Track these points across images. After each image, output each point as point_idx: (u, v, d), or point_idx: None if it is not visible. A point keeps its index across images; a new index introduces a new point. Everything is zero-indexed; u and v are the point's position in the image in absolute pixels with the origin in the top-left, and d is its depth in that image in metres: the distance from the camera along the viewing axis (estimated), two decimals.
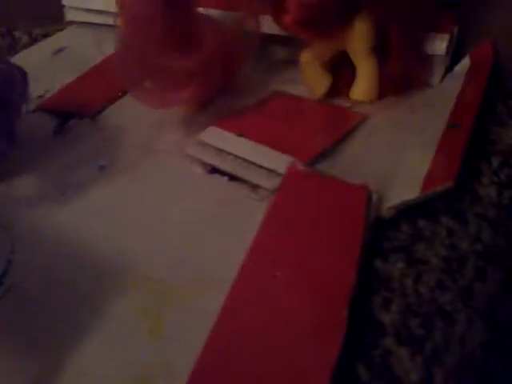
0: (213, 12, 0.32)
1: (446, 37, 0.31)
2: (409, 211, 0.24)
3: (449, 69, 0.32)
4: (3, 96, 0.26)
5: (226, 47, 0.29)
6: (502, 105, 0.31)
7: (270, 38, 0.33)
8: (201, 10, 0.30)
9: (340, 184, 0.25)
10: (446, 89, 0.31)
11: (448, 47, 0.31)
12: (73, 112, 0.33)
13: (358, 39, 0.29)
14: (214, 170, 0.28)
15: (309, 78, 0.30)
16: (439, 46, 0.31)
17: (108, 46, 0.39)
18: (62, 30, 0.44)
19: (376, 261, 0.22)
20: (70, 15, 0.44)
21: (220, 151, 0.29)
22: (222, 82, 0.31)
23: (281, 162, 0.27)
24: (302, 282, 0.21)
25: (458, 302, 0.21)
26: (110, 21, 0.42)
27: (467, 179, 0.25)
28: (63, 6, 0.43)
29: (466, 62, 0.32)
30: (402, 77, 0.31)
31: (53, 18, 0.44)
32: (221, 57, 0.29)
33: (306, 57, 0.29)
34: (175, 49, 0.27)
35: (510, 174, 0.26)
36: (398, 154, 0.27)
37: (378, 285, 0.21)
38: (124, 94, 0.34)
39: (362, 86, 0.30)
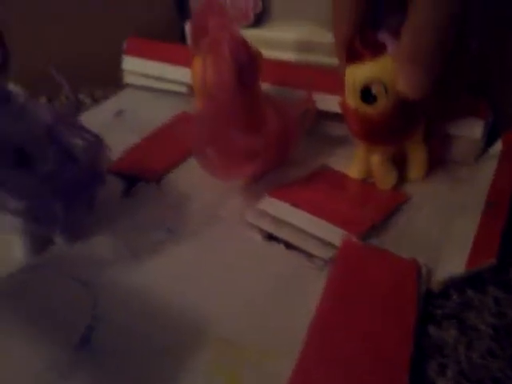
0: (272, 88, 0.35)
1: (482, 123, 0.34)
2: (457, 283, 0.26)
3: (483, 151, 0.35)
4: (93, 167, 0.29)
5: (285, 126, 0.33)
6: None
7: (325, 114, 0.36)
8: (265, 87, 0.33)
9: (392, 257, 0.28)
10: (482, 169, 0.34)
11: (483, 131, 0.34)
12: (138, 175, 0.36)
13: (417, 135, 0.33)
14: (271, 237, 0.31)
15: (379, 174, 0.33)
16: (476, 130, 0.34)
17: (164, 111, 0.44)
18: (119, 92, 0.48)
19: (429, 327, 0.25)
20: (128, 79, 0.48)
21: (276, 220, 0.32)
22: (278, 157, 0.34)
23: (334, 233, 0.30)
24: (365, 349, 0.23)
25: (507, 369, 0.23)
26: (166, 86, 0.46)
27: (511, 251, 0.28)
28: (122, 70, 0.48)
29: (498, 145, 0.35)
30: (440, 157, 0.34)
31: (113, 83, 0.48)
32: (281, 135, 0.32)
33: (377, 159, 0.33)
34: (243, 128, 0.30)
35: None
36: (441, 229, 0.30)
37: (432, 350, 0.24)
38: (187, 158, 0.37)
39: (419, 166, 0.34)
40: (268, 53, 0.42)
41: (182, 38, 0.50)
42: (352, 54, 0.30)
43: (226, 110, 0.29)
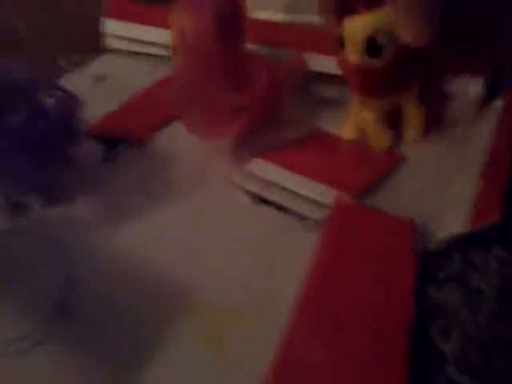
0: (261, 49, 0.33)
1: (481, 79, 0.32)
2: (459, 243, 0.25)
3: (483, 108, 0.33)
4: (65, 124, 0.28)
5: (273, 84, 0.31)
6: None
7: (316, 76, 0.34)
8: (251, 46, 0.31)
9: (387, 217, 0.26)
10: (481, 127, 0.32)
11: (483, 88, 0.32)
12: (119, 139, 0.34)
13: (412, 92, 0.31)
14: (261, 200, 0.29)
15: (373, 134, 0.32)
16: (474, 87, 0.32)
17: (147, 74, 0.42)
18: (100, 57, 0.45)
19: (430, 289, 0.24)
20: (109, 43, 0.46)
21: (266, 182, 0.30)
22: (266, 117, 0.32)
23: (327, 194, 0.28)
24: (360, 310, 0.22)
25: None
26: (146, 50, 0.44)
27: None
28: (102, 34, 0.45)
29: (499, 103, 0.33)
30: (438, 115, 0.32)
31: (90, 45, 0.45)
32: (268, 94, 0.30)
33: (369, 116, 0.31)
34: (228, 85, 0.29)
35: None
36: (439, 190, 0.29)
37: (434, 314, 0.22)
38: (170, 121, 0.35)
39: (416, 127, 0.32)
40: (257, 14, 0.41)
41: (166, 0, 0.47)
42: (344, 6, 0.28)
43: (207, 62, 0.27)
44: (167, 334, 0.22)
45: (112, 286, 0.25)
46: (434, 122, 0.33)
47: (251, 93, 0.29)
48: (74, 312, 0.23)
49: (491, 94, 0.33)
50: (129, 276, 0.25)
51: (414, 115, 0.32)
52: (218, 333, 0.22)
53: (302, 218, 0.28)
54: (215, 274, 0.25)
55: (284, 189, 0.29)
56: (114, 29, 0.45)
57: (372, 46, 0.28)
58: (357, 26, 0.28)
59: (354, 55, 0.28)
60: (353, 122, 0.32)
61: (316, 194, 0.28)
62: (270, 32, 0.38)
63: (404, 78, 0.30)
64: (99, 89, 0.41)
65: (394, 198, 0.28)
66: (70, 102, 0.28)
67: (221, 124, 0.30)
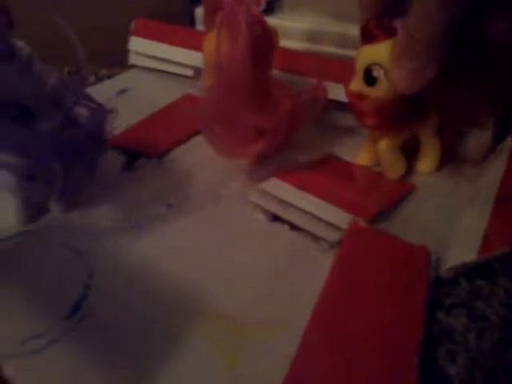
0: (283, 75, 0.35)
1: (492, 119, 0.33)
2: (467, 272, 0.26)
3: (492, 147, 0.34)
4: (96, 133, 0.29)
5: (295, 110, 0.32)
6: None
7: (334, 104, 0.36)
8: (275, 72, 0.33)
9: (400, 243, 0.27)
10: (490, 166, 0.33)
11: (493, 128, 0.33)
12: (140, 151, 0.35)
13: (429, 126, 0.32)
14: (275, 218, 0.30)
15: (387, 163, 0.32)
16: (485, 126, 0.33)
17: (168, 92, 0.43)
18: (124, 72, 0.47)
19: (439, 314, 0.24)
20: (133, 60, 0.47)
21: (281, 201, 0.31)
22: (285, 140, 0.33)
23: (341, 217, 0.29)
24: (372, 331, 0.22)
25: None
26: (170, 69, 0.45)
27: None
28: (129, 51, 0.47)
29: (507, 142, 0.34)
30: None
31: (118, 62, 0.47)
32: (290, 119, 0.31)
33: (384, 145, 0.32)
34: (253, 108, 0.30)
35: None
36: (449, 219, 0.29)
37: (442, 337, 0.23)
38: (190, 138, 0.36)
39: (430, 160, 0.33)
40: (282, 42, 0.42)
41: (191, 23, 0.49)
42: (365, 36, 0.29)
43: (237, 84, 0.28)
44: (180, 343, 0.23)
45: (127, 293, 0.25)
46: (446, 157, 0.34)
47: (274, 117, 0.30)
48: (88, 316, 0.24)
49: (503, 130, 0.34)
50: (144, 285, 0.26)
51: (430, 149, 0.33)
52: (232, 345, 0.23)
53: (316, 238, 0.28)
54: (230, 288, 0.25)
55: (299, 209, 0.30)
56: (140, 47, 0.46)
57: (368, 76, 0.29)
58: (360, 55, 0.30)
59: (356, 83, 0.30)
60: (368, 149, 0.33)
61: (330, 216, 0.29)
62: (292, 60, 0.39)
63: (411, 113, 0.31)
64: (121, 102, 0.42)
65: (405, 226, 0.29)
66: (99, 112, 0.29)
67: (243, 144, 0.31)
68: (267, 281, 0.26)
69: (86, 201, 0.30)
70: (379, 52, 0.29)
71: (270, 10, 0.46)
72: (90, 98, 0.30)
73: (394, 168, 0.33)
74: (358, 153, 0.34)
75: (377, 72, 0.29)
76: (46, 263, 0.27)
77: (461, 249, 0.26)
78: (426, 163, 0.33)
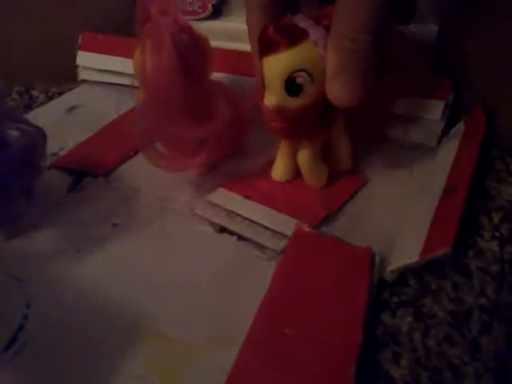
0: (226, 77, 0.34)
1: (442, 103, 0.33)
2: (415, 268, 0.25)
3: (444, 132, 0.34)
4: (27, 157, 0.28)
5: (237, 115, 0.31)
6: (500, 162, 0.32)
7: None
8: (216, 75, 0.32)
9: (344, 246, 0.26)
10: (442, 152, 0.33)
11: (443, 113, 0.33)
12: (87, 170, 0.34)
13: (340, 125, 0.30)
14: (223, 230, 0.29)
15: (310, 173, 0.31)
16: (435, 111, 0.33)
17: (119, 106, 0.42)
18: (74, 88, 0.46)
19: (384, 315, 0.24)
20: (83, 75, 0.46)
21: (229, 212, 0.30)
22: (230, 147, 0.32)
23: (287, 224, 0.28)
24: (311, 339, 0.22)
25: (465, 355, 0.22)
26: (121, 80, 0.45)
27: (470, 234, 0.27)
28: (77, 66, 0.46)
29: (460, 126, 0.33)
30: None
31: (68, 77, 0.46)
32: (231, 125, 0.30)
33: (305, 155, 0.30)
34: (190, 118, 0.29)
35: (510, 228, 0.27)
36: (397, 217, 0.29)
37: (386, 339, 0.23)
38: (136, 153, 0.36)
39: (346, 159, 0.32)
40: (227, 44, 0.41)
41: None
42: (266, 44, 0.26)
43: (167, 96, 0.28)
44: (119, 369, 0.22)
45: (67, 320, 0.25)
46: (398, 145, 0.34)
47: (214, 125, 0.30)
48: (26, 346, 0.23)
49: (452, 118, 0.34)
50: (85, 310, 0.25)
51: (343, 147, 0.31)
52: (171, 364, 0.22)
53: (262, 247, 0.28)
54: (171, 306, 0.25)
55: (246, 219, 0.29)
56: (89, 61, 0.45)
57: (291, 86, 0.26)
58: (274, 65, 0.26)
59: (272, 96, 0.27)
60: (284, 163, 0.31)
61: (276, 224, 0.29)
62: (235, 61, 0.38)
63: (330, 114, 0.29)
64: (70, 120, 0.41)
65: (353, 226, 0.29)
66: (33, 135, 0.29)
67: (184, 157, 0.30)
68: (210, 295, 0.25)
69: (27, 226, 0.30)
70: (301, 57, 0.26)
71: (217, 13, 0.45)
72: (22, 121, 0.29)
73: (317, 177, 0.31)
74: (273, 169, 0.32)
75: (302, 79, 0.26)
76: None
77: (404, 249, 0.26)
78: (344, 162, 0.32)
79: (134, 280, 0.26)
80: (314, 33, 0.26)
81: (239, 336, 0.22)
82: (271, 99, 0.26)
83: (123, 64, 0.44)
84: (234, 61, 0.38)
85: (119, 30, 0.46)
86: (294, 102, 0.27)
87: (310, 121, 0.28)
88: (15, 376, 0.22)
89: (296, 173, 0.32)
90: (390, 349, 0.22)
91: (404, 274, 0.25)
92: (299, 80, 0.26)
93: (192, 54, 0.28)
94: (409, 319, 0.23)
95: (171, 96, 0.28)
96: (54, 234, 0.30)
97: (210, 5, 0.44)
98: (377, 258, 0.26)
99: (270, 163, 0.33)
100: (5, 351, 0.23)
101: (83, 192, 0.33)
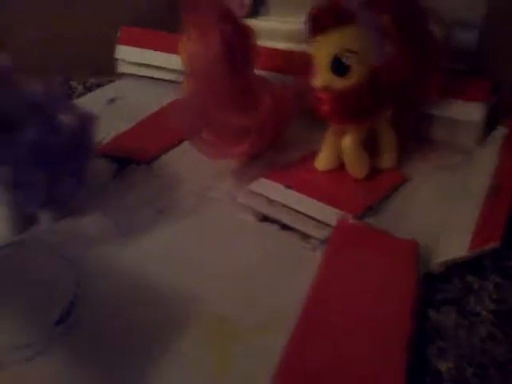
0: (269, 75, 0.34)
1: (483, 106, 0.33)
2: (458, 268, 0.25)
3: (485, 134, 0.34)
4: (78, 140, 0.29)
5: (279, 107, 0.32)
6: None
7: None
8: (259, 72, 0.32)
9: (389, 238, 0.27)
10: (483, 153, 0.33)
11: (484, 115, 0.33)
12: (130, 158, 0.35)
13: (386, 117, 0.31)
14: (265, 219, 0.30)
15: (352, 160, 0.31)
16: (476, 113, 0.33)
17: (158, 98, 0.43)
18: (113, 81, 0.47)
19: (429, 311, 0.24)
20: (121, 68, 0.47)
21: (270, 201, 0.30)
22: (271, 137, 0.33)
23: (329, 214, 0.29)
24: (361, 326, 0.22)
25: (510, 354, 0.22)
26: (158, 75, 0.45)
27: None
28: (116, 59, 0.47)
29: (501, 129, 0.34)
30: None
31: (106, 70, 0.47)
32: (274, 116, 0.31)
33: (349, 140, 0.30)
34: (236, 108, 0.30)
35: None
36: (441, 212, 0.29)
37: (433, 334, 0.23)
38: (179, 142, 0.36)
39: (391, 154, 0.32)
40: (264, 43, 0.42)
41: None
42: (315, 24, 0.28)
43: (215, 87, 0.28)
44: (169, 347, 0.23)
45: (116, 299, 0.25)
46: (437, 146, 0.34)
47: (258, 115, 0.30)
48: (76, 324, 0.24)
49: (493, 120, 0.34)
50: (133, 290, 0.26)
51: (388, 142, 0.32)
52: (223, 345, 0.22)
53: (305, 236, 0.28)
54: (220, 289, 0.25)
55: (288, 208, 0.30)
56: (127, 55, 0.46)
57: (338, 66, 0.28)
58: (322, 46, 0.28)
59: (322, 77, 0.28)
60: (329, 152, 0.32)
61: (319, 213, 0.29)
62: (278, 59, 0.39)
63: (375, 101, 0.30)
64: (111, 111, 0.42)
65: (396, 220, 0.29)
66: (84, 120, 0.29)
67: (228, 145, 0.31)
68: (257, 281, 0.26)
69: (76, 209, 0.30)
70: (348, 37, 0.27)
71: (255, 13, 0.46)
72: (73, 107, 0.30)
73: (359, 166, 0.31)
74: (317, 157, 0.32)
75: (348, 59, 0.27)
76: (35, 272, 0.27)
77: (451, 244, 0.26)
78: (387, 158, 0.32)
79: (179, 264, 0.27)
80: (363, 16, 0.27)
81: (288, 322, 0.23)
82: (318, 79, 0.28)
83: (161, 58, 0.45)
84: (271, 58, 0.39)
85: (156, 24, 0.47)
86: (340, 83, 0.28)
87: (357, 104, 0.29)
88: (67, 348, 0.23)
89: (338, 166, 0.32)
90: (435, 344, 0.22)
91: (447, 273, 0.25)
92: (345, 60, 0.27)
93: (239, 44, 0.29)
94: (453, 316, 0.24)
95: (219, 83, 0.28)
96: (100, 217, 0.30)
97: (247, 4, 0.45)
98: (423, 251, 0.26)
99: (310, 155, 0.33)
100: (57, 325, 0.23)
101: (127, 178, 0.34)
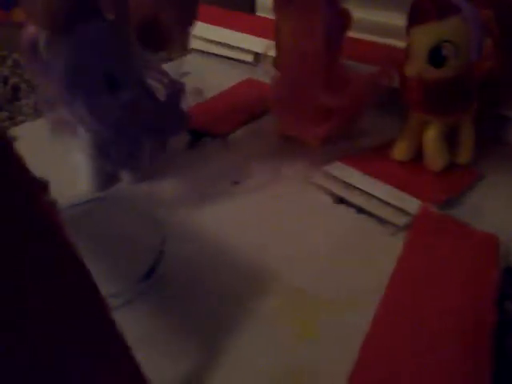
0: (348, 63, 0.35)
1: None
2: None
3: None
4: (170, 107, 0.29)
5: (359, 92, 0.32)
6: None
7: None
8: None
9: (471, 230, 0.27)
10: None
11: None
12: (206, 131, 0.36)
13: (471, 113, 0.31)
14: (340, 201, 0.30)
15: (433, 152, 0.31)
16: None
17: (228, 77, 0.43)
18: (185, 55, 0.48)
19: (506, 303, 0.24)
20: (194, 44, 0.48)
21: (347, 185, 0.31)
22: (349, 122, 0.33)
23: (408, 202, 0.29)
24: (444, 315, 0.22)
25: None
26: (230, 54, 0.46)
27: None
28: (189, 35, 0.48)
29: None
30: None
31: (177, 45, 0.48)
32: (355, 101, 0.31)
33: (433, 131, 0.30)
34: (323, 88, 0.30)
35: None
36: None
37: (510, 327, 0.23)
38: (252, 120, 0.37)
39: (468, 150, 0.32)
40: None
41: (251, 10, 0.49)
42: (417, 14, 0.28)
43: (312, 65, 0.29)
44: (251, 310, 0.23)
45: (199, 261, 0.26)
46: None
47: (342, 98, 0.31)
48: (161, 280, 0.24)
49: None
50: (216, 254, 0.26)
51: (468, 138, 0.32)
52: (301, 312, 0.23)
53: (383, 222, 0.28)
54: (299, 263, 0.26)
55: (365, 193, 0.30)
56: (201, 31, 0.47)
57: (436, 56, 0.28)
58: (423, 34, 0.28)
59: (416, 65, 0.28)
60: (408, 142, 0.32)
61: (398, 200, 0.29)
62: (357, 48, 0.39)
63: (462, 97, 0.30)
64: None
65: (473, 215, 0.29)
66: (175, 88, 0.30)
67: (311, 123, 0.31)
68: (336, 258, 0.26)
69: (154, 174, 0.31)
70: (449, 29, 0.27)
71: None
72: (166, 74, 0.31)
73: (438, 158, 0.31)
74: (396, 146, 0.32)
75: (447, 50, 0.27)
76: (120, 227, 0.28)
77: None
78: (465, 154, 0.32)
79: (258, 234, 0.28)
80: (466, 10, 0.27)
81: (367, 301, 0.23)
82: (414, 67, 0.28)
83: (234, 37, 0.45)
84: (353, 47, 0.39)
85: (233, 4, 0.47)
86: (435, 73, 0.28)
87: (448, 96, 0.29)
88: (150, 306, 0.23)
89: (415, 156, 0.32)
90: None
91: None
92: (444, 51, 0.27)
93: (337, 26, 0.29)
94: None
95: (315, 64, 0.28)
96: (179, 183, 0.31)
97: None
98: (503, 246, 0.26)
99: (385, 144, 0.33)
100: (145, 278, 0.24)
101: (202, 150, 0.34)
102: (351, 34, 0.40)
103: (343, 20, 0.30)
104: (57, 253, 0.14)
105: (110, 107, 0.25)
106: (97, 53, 0.25)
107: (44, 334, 0.14)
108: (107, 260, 0.26)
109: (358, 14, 0.42)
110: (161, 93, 0.29)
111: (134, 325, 0.22)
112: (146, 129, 0.28)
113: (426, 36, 0.28)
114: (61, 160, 0.30)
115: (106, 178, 0.30)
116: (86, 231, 0.27)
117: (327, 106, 0.30)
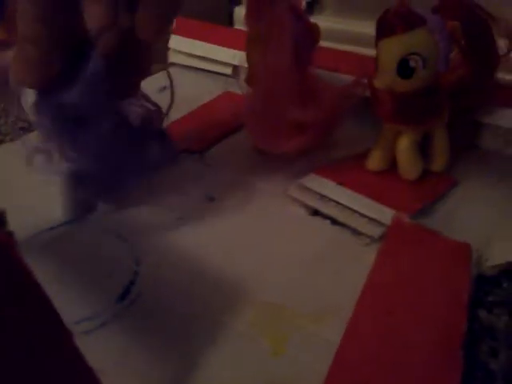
0: (322, 73, 0.35)
1: None
2: (508, 271, 0.25)
3: None
4: (148, 132, 0.29)
5: (333, 104, 0.32)
6: None
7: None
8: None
9: (444, 239, 0.27)
10: None
11: None
12: (183, 146, 0.36)
13: (443, 120, 0.31)
14: (315, 213, 0.30)
15: (406, 163, 0.31)
16: None
17: (207, 90, 0.44)
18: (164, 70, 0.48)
19: (480, 311, 0.24)
20: (173, 58, 0.48)
21: (322, 196, 0.31)
22: (323, 134, 0.33)
23: (382, 212, 0.29)
24: (417, 323, 0.23)
25: None
26: (210, 67, 0.46)
27: None
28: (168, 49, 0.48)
29: None
30: None
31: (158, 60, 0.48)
32: (329, 113, 0.32)
33: (406, 142, 0.31)
34: (296, 102, 0.30)
35: None
36: (490, 217, 0.29)
37: (483, 334, 0.23)
38: (230, 135, 0.37)
39: (443, 157, 0.32)
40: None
41: (230, 22, 0.50)
42: (384, 26, 0.28)
43: (283, 80, 0.29)
44: (226, 327, 0.23)
45: (174, 279, 0.26)
46: (485, 153, 0.34)
47: (315, 111, 0.31)
48: (137, 300, 0.25)
49: None
50: (190, 272, 0.26)
51: (442, 146, 0.32)
52: (279, 329, 0.23)
53: (357, 233, 0.29)
54: (275, 276, 0.26)
55: (340, 204, 0.30)
56: (180, 45, 0.47)
57: (404, 68, 0.28)
58: (390, 47, 0.28)
59: (385, 77, 0.29)
60: (382, 152, 0.32)
61: (372, 211, 0.29)
62: (331, 58, 0.39)
63: (434, 105, 0.30)
64: (162, 99, 0.43)
65: (447, 222, 0.29)
66: (152, 112, 0.30)
67: (284, 138, 0.31)
68: (311, 270, 0.26)
69: (130, 192, 0.31)
70: (416, 41, 0.28)
71: (309, 11, 0.46)
72: (145, 97, 0.31)
73: (412, 168, 0.31)
74: (370, 156, 0.33)
75: (415, 62, 0.28)
76: (95, 250, 0.28)
77: (503, 248, 0.26)
78: (439, 161, 0.32)
79: (233, 249, 0.28)
80: (432, 21, 0.27)
81: (342, 312, 0.23)
82: (383, 80, 0.29)
83: (213, 51, 0.46)
84: (324, 57, 0.39)
85: (211, 17, 0.48)
86: (404, 85, 0.28)
87: (418, 107, 0.29)
88: (126, 326, 0.24)
89: (389, 166, 0.32)
90: (486, 343, 0.23)
91: (498, 277, 0.26)
92: (412, 63, 0.28)
93: (306, 40, 0.30)
94: (505, 318, 0.24)
95: (286, 79, 0.29)
96: (156, 200, 0.31)
97: (304, 2, 0.46)
98: (475, 254, 0.26)
99: (360, 155, 0.34)
100: (119, 301, 0.24)
101: (180, 166, 0.34)
102: (324, 43, 0.41)
103: (312, 34, 0.31)
104: (13, 284, 0.14)
105: (88, 138, 0.26)
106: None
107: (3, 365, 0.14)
108: (82, 282, 0.26)
109: (329, 24, 0.43)
110: (136, 115, 0.30)
111: (109, 346, 0.23)
112: (126, 158, 0.28)
113: (394, 48, 0.28)
114: (36, 185, 0.30)
115: (82, 207, 0.30)
116: (60, 254, 0.28)
117: (300, 120, 0.31)
